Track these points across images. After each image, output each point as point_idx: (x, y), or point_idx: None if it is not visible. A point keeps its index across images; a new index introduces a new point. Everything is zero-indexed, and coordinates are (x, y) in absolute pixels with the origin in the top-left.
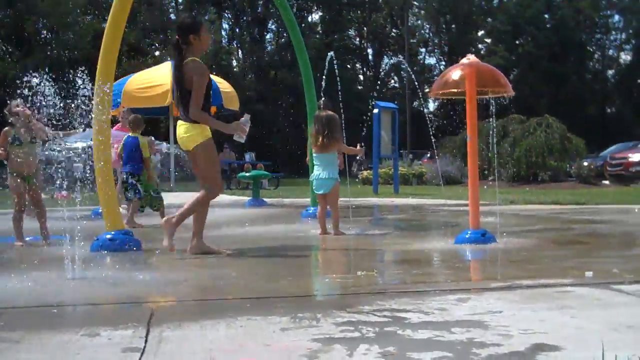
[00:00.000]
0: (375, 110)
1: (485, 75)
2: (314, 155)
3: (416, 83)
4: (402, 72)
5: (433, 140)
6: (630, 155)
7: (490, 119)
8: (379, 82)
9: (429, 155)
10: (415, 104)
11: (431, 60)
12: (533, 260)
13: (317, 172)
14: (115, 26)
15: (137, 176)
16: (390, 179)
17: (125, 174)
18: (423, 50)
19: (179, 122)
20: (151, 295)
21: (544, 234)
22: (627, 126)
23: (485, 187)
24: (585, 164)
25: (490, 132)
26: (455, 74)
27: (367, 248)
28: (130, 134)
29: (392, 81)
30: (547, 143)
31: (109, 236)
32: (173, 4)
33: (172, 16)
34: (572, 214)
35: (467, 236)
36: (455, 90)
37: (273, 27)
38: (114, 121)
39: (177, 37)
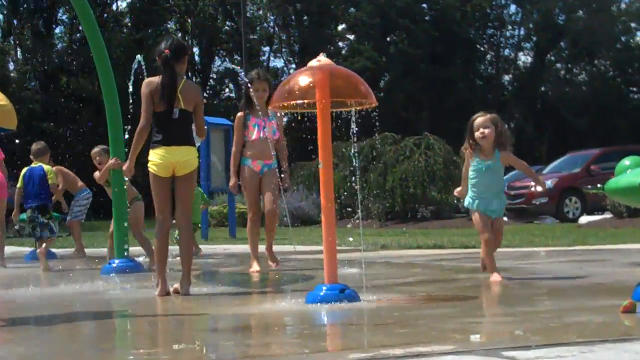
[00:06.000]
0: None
1: (340, 82)
2: None
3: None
4: (239, 78)
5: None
6: (532, 184)
7: (353, 138)
8: (209, 91)
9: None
10: None
11: (278, 63)
12: (406, 322)
13: None
14: None
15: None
16: (225, 219)
17: (32, 209)
18: (267, 49)
19: (175, 146)
20: None
21: (422, 288)
22: (528, 144)
23: (349, 226)
24: None
25: (354, 156)
26: (302, 80)
27: (190, 312)
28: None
29: (227, 89)
30: (427, 169)
31: None
32: None
33: None
34: (459, 261)
35: (321, 293)
36: (303, 101)
37: (64, 17)
38: None
39: (166, 50)
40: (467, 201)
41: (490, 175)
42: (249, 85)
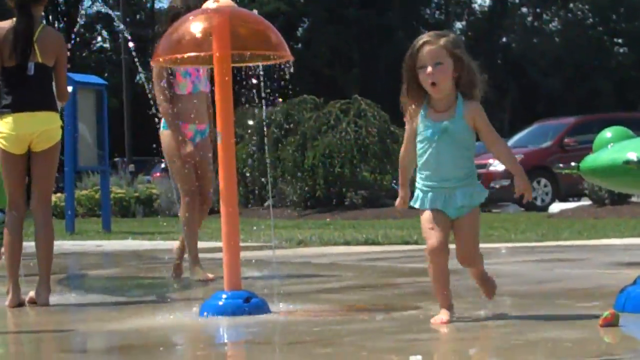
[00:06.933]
0: (69, 88)
1: (244, 30)
2: None
3: (131, 43)
4: (115, 24)
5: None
6: (492, 162)
7: (262, 103)
8: (75, 39)
9: (163, 165)
10: (140, 77)
11: (165, 4)
12: (330, 339)
13: None
14: None
15: None
16: (98, 207)
17: None
18: None
19: (31, 111)
20: None
21: (350, 296)
22: (489, 110)
23: (258, 217)
24: None
25: (263, 125)
26: (194, 27)
27: (51, 329)
28: None
29: (99, 38)
30: (358, 143)
31: None
32: None
33: None
34: (397, 261)
35: (220, 303)
36: (196, 54)
37: None
38: None
39: None
40: (415, 195)
41: (449, 145)
42: (172, 19)
